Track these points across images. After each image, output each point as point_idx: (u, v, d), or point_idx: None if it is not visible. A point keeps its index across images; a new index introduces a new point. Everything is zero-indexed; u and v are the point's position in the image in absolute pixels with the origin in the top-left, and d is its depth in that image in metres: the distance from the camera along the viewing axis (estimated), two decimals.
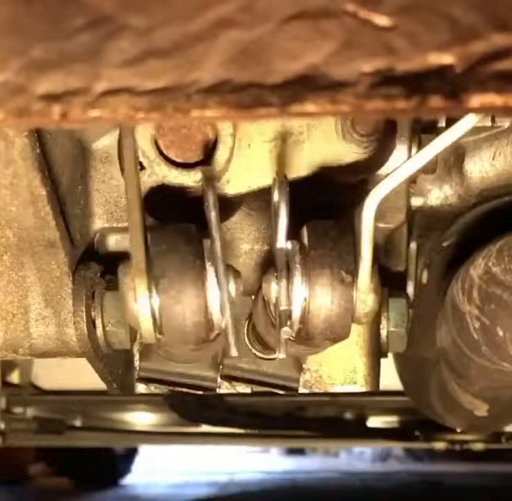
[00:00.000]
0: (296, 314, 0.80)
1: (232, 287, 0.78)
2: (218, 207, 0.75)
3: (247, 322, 1.01)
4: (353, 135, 0.87)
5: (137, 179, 0.73)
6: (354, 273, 0.79)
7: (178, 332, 0.78)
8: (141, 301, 0.76)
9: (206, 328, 0.79)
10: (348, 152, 0.89)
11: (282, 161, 0.90)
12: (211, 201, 0.75)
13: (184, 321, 0.77)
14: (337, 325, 0.80)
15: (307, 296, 0.79)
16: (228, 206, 0.95)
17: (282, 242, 0.79)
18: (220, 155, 0.86)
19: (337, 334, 0.81)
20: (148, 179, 0.87)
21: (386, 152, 0.91)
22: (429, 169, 0.96)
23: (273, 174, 0.89)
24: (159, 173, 0.86)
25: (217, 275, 0.77)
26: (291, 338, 0.82)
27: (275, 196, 0.80)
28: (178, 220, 0.83)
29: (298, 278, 0.79)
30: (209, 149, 0.86)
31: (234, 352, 0.77)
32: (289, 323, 0.80)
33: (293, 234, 0.80)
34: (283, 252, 0.80)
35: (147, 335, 0.79)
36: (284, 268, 0.79)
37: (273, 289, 0.80)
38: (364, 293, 0.80)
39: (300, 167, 0.90)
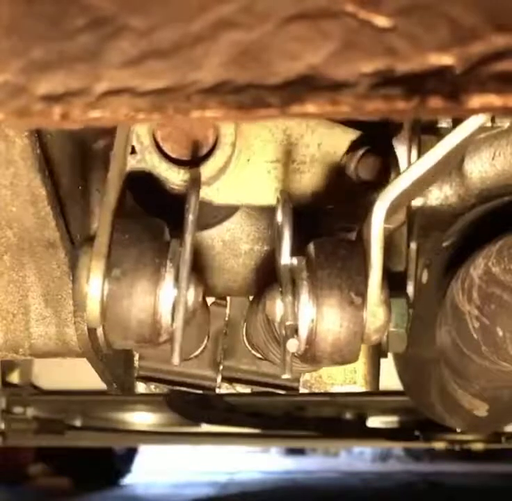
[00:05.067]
0: (303, 335, 0.76)
1: (191, 294, 0.75)
2: (197, 212, 0.74)
3: (246, 324, 1.01)
4: (354, 179, 0.86)
5: (123, 161, 0.71)
6: (364, 294, 0.76)
7: (120, 326, 0.75)
8: (93, 284, 0.73)
9: (151, 329, 0.75)
10: (346, 194, 0.88)
11: (279, 183, 0.88)
12: (192, 204, 0.74)
13: (129, 316, 0.74)
14: (346, 349, 0.77)
15: (314, 317, 0.76)
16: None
17: (287, 259, 0.77)
18: (215, 161, 0.84)
19: (345, 358, 0.78)
20: (136, 165, 0.84)
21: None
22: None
23: (266, 194, 0.87)
24: (149, 162, 0.84)
25: (179, 279, 0.74)
26: (296, 354, 0.79)
27: (279, 215, 0.78)
28: (155, 212, 0.81)
29: (305, 296, 0.76)
30: (206, 153, 0.84)
31: (176, 360, 0.72)
32: (295, 337, 0.76)
33: (297, 243, 0.79)
34: (288, 269, 0.77)
35: (91, 319, 0.75)
36: (290, 284, 0.76)
37: (278, 305, 0.77)
38: (375, 306, 0.76)
39: (296, 197, 0.88)
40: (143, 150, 0.83)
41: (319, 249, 0.78)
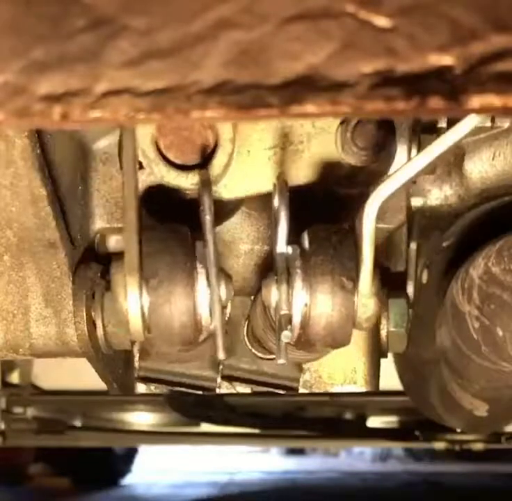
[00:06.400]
0: (297, 320, 0.79)
1: (223, 290, 0.78)
2: (213, 211, 0.76)
3: (246, 323, 1.01)
4: (352, 147, 0.88)
5: (135, 178, 0.74)
6: (355, 279, 0.78)
7: (165, 332, 0.79)
8: (131, 299, 0.76)
9: (193, 330, 0.79)
10: (346, 163, 0.90)
11: (281, 167, 0.91)
12: (206, 205, 0.76)
13: (172, 322, 0.77)
14: (338, 332, 0.80)
15: (308, 302, 0.79)
16: (228, 207, 0.95)
17: (282, 247, 0.79)
18: (219, 160, 0.87)
19: (337, 341, 0.81)
20: (146, 179, 0.88)
21: (384, 166, 0.91)
22: (429, 169, 0.96)
23: (271, 180, 0.90)
24: (157, 173, 0.87)
25: (209, 278, 0.77)
26: (291, 343, 0.82)
27: (276, 201, 0.80)
28: (174, 220, 0.84)
29: (298, 283, 0.79)
30: (208, 153, 0.87)
31: (222, 355, 0.77)
32: (289, 327, 0.80)
33: (293, 234, 0.80)
34: (283, 257, 0.79)
35: (136, 333, 0.79)
36: (285, 273, 0.79)
37: (273, 293, 0.80)
38: (366, 297, 0.79)
39: (299, 176, 0.91)
40: (150, 163, 0.86)
41: (313, 237, 0.81)
